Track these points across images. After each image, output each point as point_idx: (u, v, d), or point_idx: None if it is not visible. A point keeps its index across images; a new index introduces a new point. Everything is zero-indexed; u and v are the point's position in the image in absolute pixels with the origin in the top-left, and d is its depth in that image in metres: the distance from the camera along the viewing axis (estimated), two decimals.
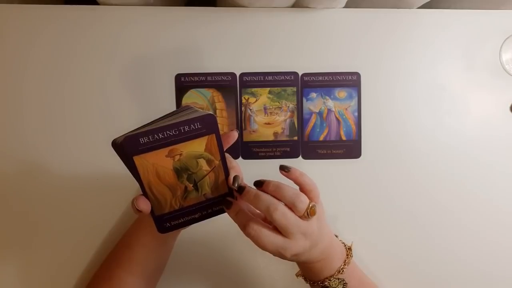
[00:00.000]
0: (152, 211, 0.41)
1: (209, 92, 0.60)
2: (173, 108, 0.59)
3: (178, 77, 0.59)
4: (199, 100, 0.60)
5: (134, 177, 0.39)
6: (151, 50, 0.59)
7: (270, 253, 0.41)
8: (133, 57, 0.58)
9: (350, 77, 0.60)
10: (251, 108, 0.60)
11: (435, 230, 0.61)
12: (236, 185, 0.42)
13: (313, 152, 0.60)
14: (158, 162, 0.39)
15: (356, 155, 0.61)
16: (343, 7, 0.60)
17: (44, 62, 0.58)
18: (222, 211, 0.45)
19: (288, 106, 0.60)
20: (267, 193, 0.41)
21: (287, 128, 0.60)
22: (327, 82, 0.60)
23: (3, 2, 0.57)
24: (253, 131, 0.60)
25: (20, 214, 0.58)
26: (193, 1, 0.66)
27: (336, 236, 0.49)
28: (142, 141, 0.38)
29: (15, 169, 0.58)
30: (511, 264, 0.61)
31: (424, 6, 0.61)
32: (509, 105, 0.61)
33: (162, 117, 0.44)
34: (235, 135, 0.46)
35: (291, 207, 0.40)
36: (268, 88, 0.60)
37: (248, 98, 0.60)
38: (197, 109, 0.44)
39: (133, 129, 0.41)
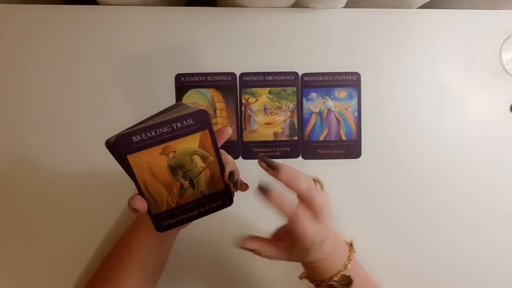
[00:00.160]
0: (149, 210, 0.41)
1: (209, 92, 0.60)
2: None
3: (178, 77, 0.59)
4: (199, 100, 0.60)
5: (129, 176, 0.39)
6: (151, 50, 0.59)
7: (302, 239, 0.40)
8: (133, 57, 0.58)
9: (350, 77, 0.60)
10: (251, 108, 0.60)
11: (435, 230, 0.61)
12: (232, 180, 0.42)
13: (313, 152, 0.60)
14: (152, 160, 0.39)
15: (356, 155, 0.61)
16: (343, 7, 0.60)
17: (44, 62, 0.58)
18: (220, 208, 0.45)
19: (288, 106, 0.60)
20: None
21: (287, 128, 0.60)
22: (327, 82, 0.60)
23: (3, 2, 0.57)
24: (253, 131, 0.60)
25: (19, 213, 0.58)
26: (193, 1, 0.66)
27: None
28: (135, 140, 0.38)
29: (15, 168, 0.58)
30: (511, 264, 0.61)
31: (424, 6, 0.61)
32: (509, 105, 0.61)
33: (155, 115, 0.44)
34: (228, 130, 0.45)
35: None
36: (268, 88, 0.60)
37: (248, 98, 0.60)
38: (190, 105, 0.44)
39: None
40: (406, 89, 0.61)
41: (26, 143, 0.58)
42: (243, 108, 0.60)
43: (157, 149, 0.39)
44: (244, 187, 0.43)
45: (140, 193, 0.40)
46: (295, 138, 0.60)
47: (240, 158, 0.60)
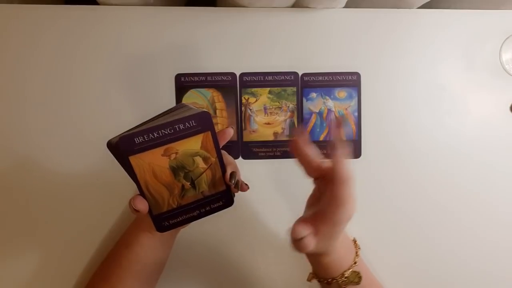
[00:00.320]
0: (150, 211, 0.41)
1: (209, 92, 0.60)
2: None
3: (178, 77, 0.59)
4: (199, 100, 0.60)
5: (131, 177, 0.39)
6: (151, 50, 0.59)
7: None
8: (133, 57, 0.58)
9: (350, 77, 0.60)
10: (251, 108, 0.60)
11: (435, 230, 0.61)
12: (233, 181, 0.42)
13: None
14: (154, 161, 0.39)
15: (356, 155, 0.61)
16: (343, 7, 0.60)
17: (44, 62, 0.58)
18: (220, 208, 0.45)
19: (288, 106, 0.60)
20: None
21: (287, 128, 0.60)
22: (327, 82, 0.60)
23: (3, 2, 0.57)
24: (253, 131, 0.60)
25: (20, 213, 0.58)
26: (193, 1, 0.66)
27: None
28: (137, 141, 0.38)
29: (15, 168, 0.58)
30: (511, 264, 0.61)
31: (424, 6, 0.61)
32: (509, 105, 0.61)
33: (157, 116, 0.44)
34: (230, 131, 0.46)
35: None
36: (268, 88, 0.60)
37: (248, 98, 0.60)
38: (192, 107, 0.44)
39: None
40: (406, 89, 0.61)
41: (27, 143, 0.58)
42: (243, 108, 0.60)
43: (159, 150, 0.39)
44: (244, 187, 0.43)
45: (141, 193, 0.40)
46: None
47: (240, 158, 0.60)
